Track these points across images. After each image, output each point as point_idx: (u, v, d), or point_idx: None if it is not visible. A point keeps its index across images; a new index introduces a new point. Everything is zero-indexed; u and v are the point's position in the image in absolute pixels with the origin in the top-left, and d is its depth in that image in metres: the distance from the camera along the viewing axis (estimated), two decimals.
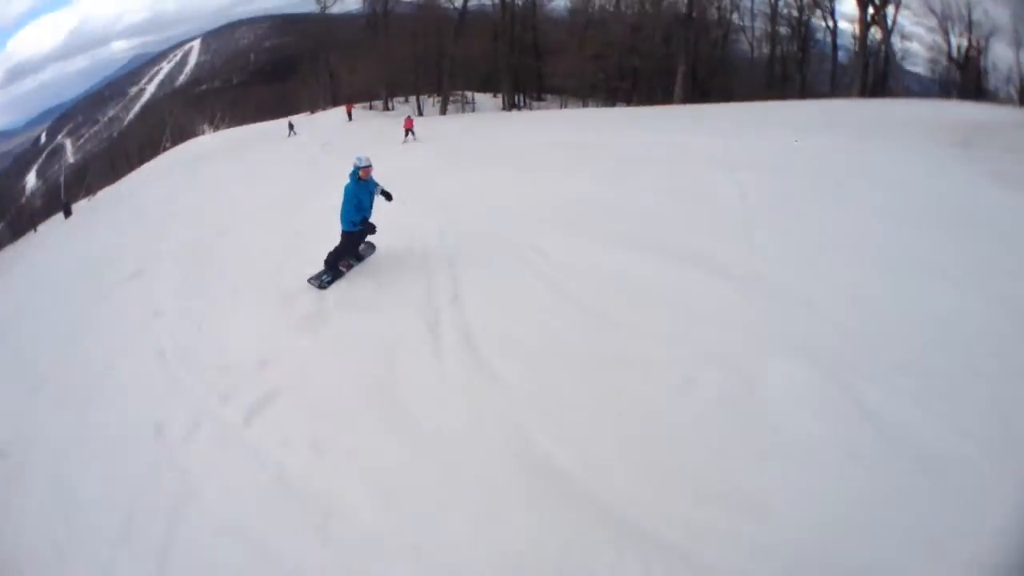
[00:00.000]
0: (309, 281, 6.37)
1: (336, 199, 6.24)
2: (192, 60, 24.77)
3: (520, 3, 18.37)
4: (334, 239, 6.29)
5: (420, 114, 18.56)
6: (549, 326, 4.50)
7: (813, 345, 3.89)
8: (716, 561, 2.73)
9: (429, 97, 18.80)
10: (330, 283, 6.37)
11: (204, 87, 24.58)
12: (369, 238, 6.63)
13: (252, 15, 25.50)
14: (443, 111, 18.35)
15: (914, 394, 3.42)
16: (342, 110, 19.58)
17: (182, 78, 24.67)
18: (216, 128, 23.54)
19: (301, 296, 6.03)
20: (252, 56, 24.79)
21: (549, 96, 18.00)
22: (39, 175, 23.34)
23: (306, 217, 8.31)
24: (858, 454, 3.12)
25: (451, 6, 18.80)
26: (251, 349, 5.05)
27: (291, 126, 19.04)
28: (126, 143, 23.55)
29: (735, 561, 2.72)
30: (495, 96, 18.35)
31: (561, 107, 17.69)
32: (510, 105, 18.05)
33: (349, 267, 6.59)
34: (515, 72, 17.98)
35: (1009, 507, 2.85)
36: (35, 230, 18.38)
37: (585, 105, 17.40)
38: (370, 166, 6.12)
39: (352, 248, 6.49)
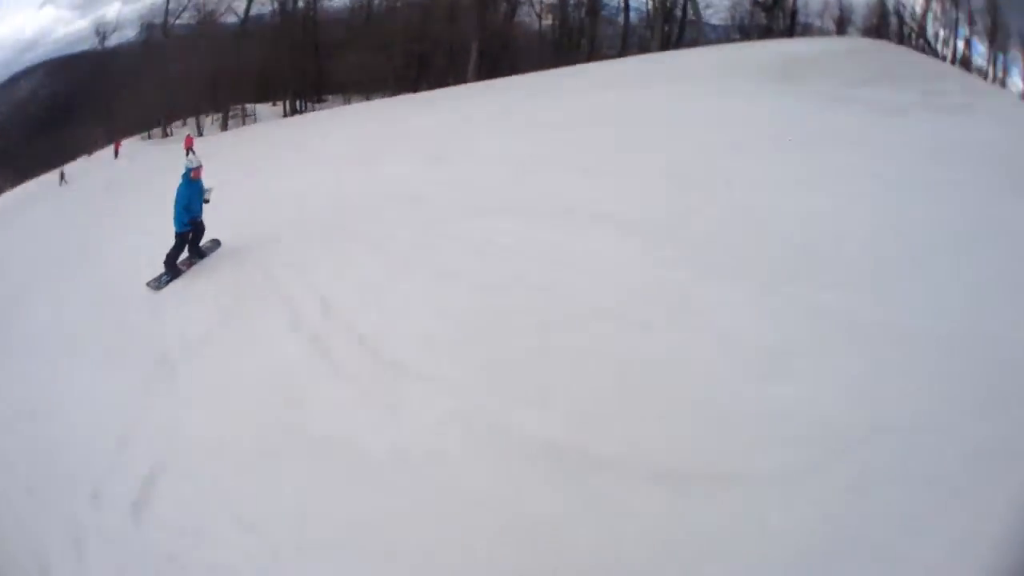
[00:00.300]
0: (148, 284, 6.37)
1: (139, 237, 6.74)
2: None
3: (301, 4, 17.05)
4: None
5: (200, 134, 17.06)
6: (443, 309, 3.99)
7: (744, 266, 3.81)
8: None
9: (208, 116, 17.32)
10: (168, 282, 6.41)
11: None
12: (215, 235, 6.78)
13: (32, 62, 23.21)
14: (224, 127, 16.95)
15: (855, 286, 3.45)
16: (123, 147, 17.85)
17: None
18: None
19: (141, 336, 5.22)
20: (30, 107, 22.62)
21: (331, 97, 16.93)
22: None
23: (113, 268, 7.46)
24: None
25: (232, 18, 17.25)
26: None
27: (62, 175, 17.14)
28: None
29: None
30: (274, 105, 17.10)
31: (345, 105, 16.68)
32: (292, 111, 16.82)
33: (191, 265, 6.60)
34: (296, 76, 16.79)
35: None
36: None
37: (369, 99, 16.44)
38: (201, 166, 6.35)
39: (183, 247, 6.47)
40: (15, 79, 23.71)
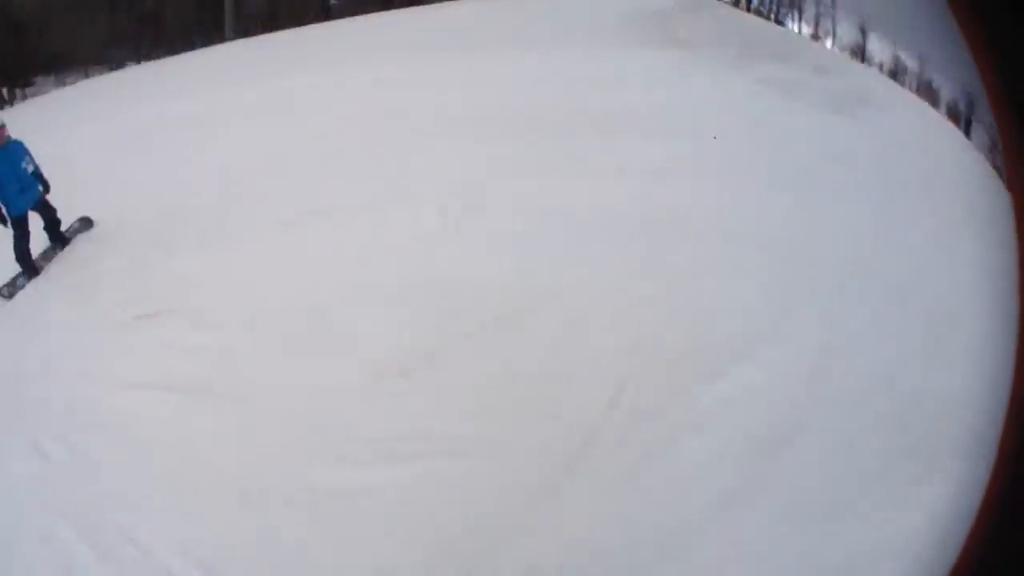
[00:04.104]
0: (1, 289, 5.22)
1: None
2: None
3: None
4: None
5: None
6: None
7: None
8: None
9: None
10: (24, 286, 5.31)
11: None
12: (85, 212, 5.82)
13: None
14: None
15: None
16: None
17: None
18: None
19: None
20: None
21: (40, 78, 13.91)
22: None
23: None
24: None
25: None
26: None
27: None
28: None
29: None
30: None
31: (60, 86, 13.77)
32: None
33: (53, 256, 5.59)
34: None
35: None
36: None
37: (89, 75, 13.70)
38: (3, 126, 5.20)
39: (26, 236, 5.34)
40: None
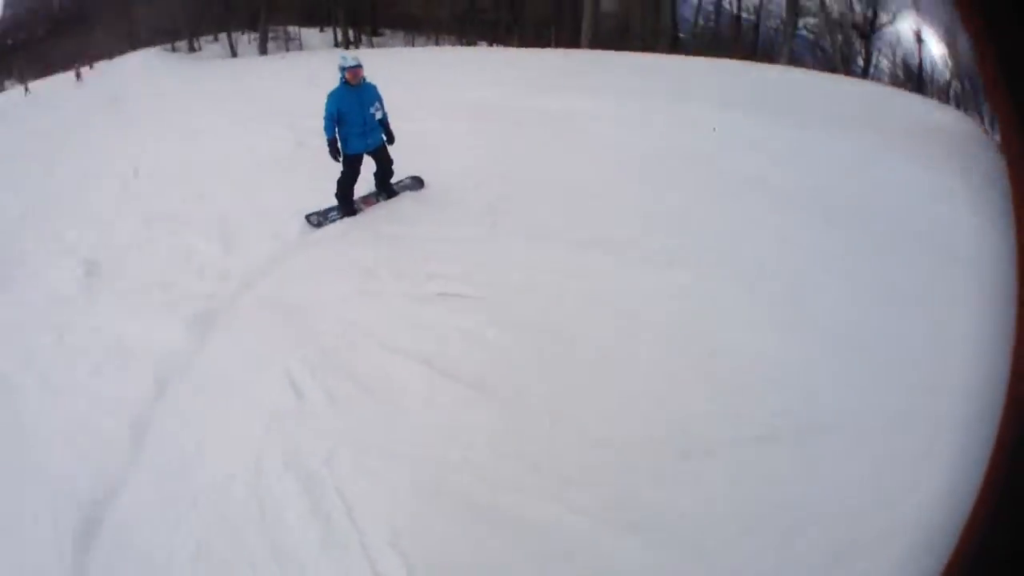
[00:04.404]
0: (307, 218, 5.22)
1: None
2: None
3: None
4: None
5: (234, 54, 15.16)
6: None
7: None
8: None
9: (244, 34, 15.50)
10: (335, 220, 5.20)
11: (9, 42, 20.63)
12: (416, 172, 5.64)
13: None
14: (262, 50, 15.18)
15: None
16: (139, 56, 16.14)
17: None
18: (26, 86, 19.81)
19: None
20: (56, 4, 21.03)
21: (389, 31, 15.09)
22: None
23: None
24: None
25: None
26: None
27: (79, 74, 16.22)
28: None
29: None
30: (322, 31, 15.31)
31: (408, 45, 14.77)
32: (345, 42, 15.03)
33: (374, 203, 5.42)
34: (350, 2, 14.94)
35: None
36: None
37: (438, 43, 14.52)
38: (359, 66, 5.09)
39: (353, 176, 5.22)
40: None
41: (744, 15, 11.24)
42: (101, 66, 16.46)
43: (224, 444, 3.05)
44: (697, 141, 6.00)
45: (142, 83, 14.40)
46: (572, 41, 11.88)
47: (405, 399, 3.17)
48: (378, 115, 5.19)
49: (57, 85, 16.12)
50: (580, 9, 11.62)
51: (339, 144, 5.09)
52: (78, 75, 16.35)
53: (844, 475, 2.47)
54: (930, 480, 2.20)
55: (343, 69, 5.03)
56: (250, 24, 15.30)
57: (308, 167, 6.06)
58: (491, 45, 13.33)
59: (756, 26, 11.11)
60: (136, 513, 2.77)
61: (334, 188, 5.29)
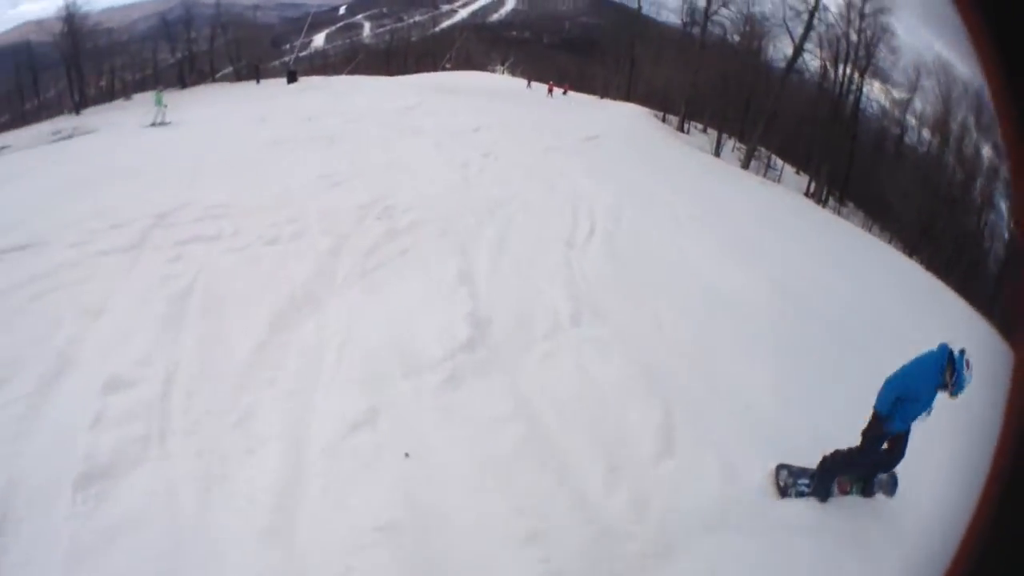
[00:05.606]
0: (778, 470, 4.12)
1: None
2: (509, 4, 25.52)
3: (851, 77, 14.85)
4: None
5: (717, 154, 16.27)
6: None
7: None
8: None
9: (731, 138, 16.48)
10: (804, 495, 4.06)
11: (514, 34, 25.40)
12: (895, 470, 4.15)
13: None
14: (745, 165, 15.90)
15: None
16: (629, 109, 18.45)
17: (495, 16, 25.43)
18: (509, 72, 24.44)
19: None
20: (566, 24, 24.89)
21: (852, 205, 14.83)
22: (328, 39, 24.98)
23: None
24: None
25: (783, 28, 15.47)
26: None
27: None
28: (409, 49, 24.86)
29: None
30: (798, 173, 15.65)
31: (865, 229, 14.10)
32: (820, 196, 14.85)
33: (847, 492, 4.19)
34: (831, 154, 14.78)
35: None
36: (257, 82, 20.18)
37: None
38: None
39: (869, 455, 3.97)
40: None
41: None
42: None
43: None
44: None
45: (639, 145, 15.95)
46: None
47: None
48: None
49: None
50: None
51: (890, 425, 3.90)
52: (550, 91, 19.92)
53: None
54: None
55: (954, 359, 3.61)
56: (739, 131, 16.45)
57: None
58: None
59: None
60: None
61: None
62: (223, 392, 4.75)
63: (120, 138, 13.25)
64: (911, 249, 12.74)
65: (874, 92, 14.61)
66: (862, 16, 14.40)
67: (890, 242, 13.41)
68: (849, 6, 14.70)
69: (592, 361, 5.45)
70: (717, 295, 6.78)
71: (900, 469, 4.20)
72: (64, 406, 4.45)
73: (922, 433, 3.77)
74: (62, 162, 10.83)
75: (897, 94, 14.24)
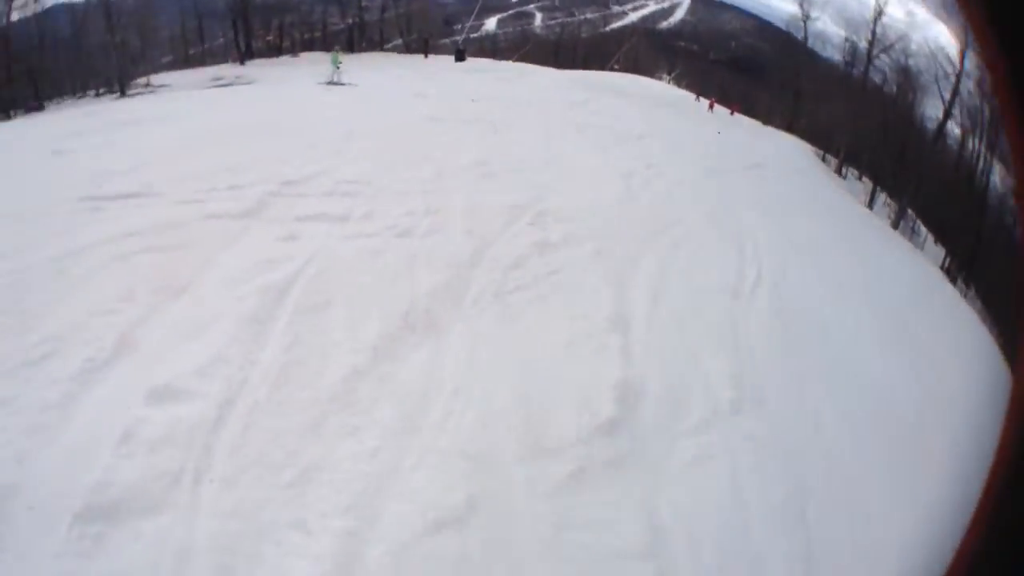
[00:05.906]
0: None
1: None
2: (679, 14, 24.81)
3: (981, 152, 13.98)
4: None
5: (870, 207, 15.55)
6: None
7: None
8: None
9: (882, 191, 15.71)
10: None
11: (682, 44, 24.57)
12: None
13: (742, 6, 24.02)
14: (895, 224, 14.85)
15: None
16: (791, 140, 17.39)
17: (664, 24, 24.87)
18: (675, 82, 23.36)
19: None
20: (733, 43, 24.01)
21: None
22: (500, 24, 25.32)
23: None
24: None
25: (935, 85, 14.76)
26: None
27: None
28: (578, 44, 24.48)
29: None
30: (937, 244, 14.81)
31: None
32: (954, 276, 14.71)
33: None
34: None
35: None
36: (426, 56, 20.41)
37: None
38: None
39: None
40: (721, 6, 25.37)
41: None
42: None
43: None
44: None
45: None
46: None
47: None
48: None
49: None
50: None
51: None
52: (711, 107, 18.92)
53: None
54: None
55: None
56: (892, 185, 15.55)
57: None
58: None
59: None
60: None
61: None
62: (289, 433, 3.76)
63: (278, 90, 13.38)
64: None
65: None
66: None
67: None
68: (981, 82, 13.37)
69: (746, 474, 4.15)
70: (880, 394, 5.41)
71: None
72: (98, 407, 3.69)
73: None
74: (212, 109, 10.72)
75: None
